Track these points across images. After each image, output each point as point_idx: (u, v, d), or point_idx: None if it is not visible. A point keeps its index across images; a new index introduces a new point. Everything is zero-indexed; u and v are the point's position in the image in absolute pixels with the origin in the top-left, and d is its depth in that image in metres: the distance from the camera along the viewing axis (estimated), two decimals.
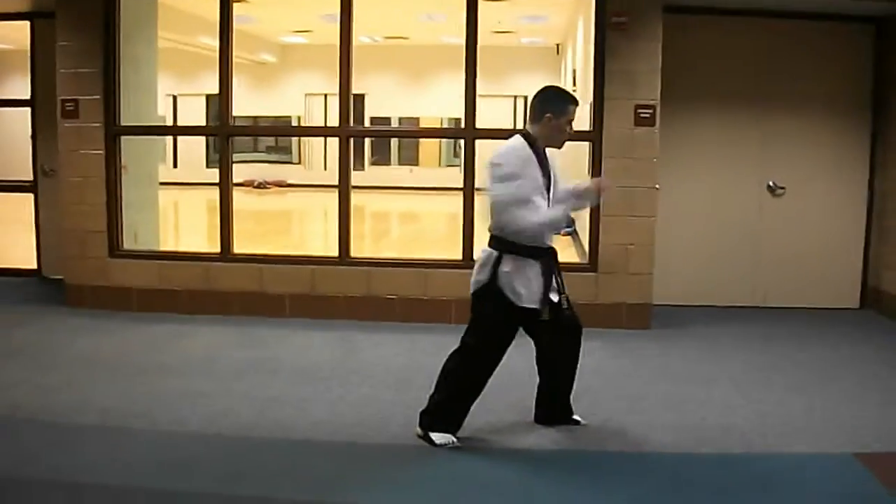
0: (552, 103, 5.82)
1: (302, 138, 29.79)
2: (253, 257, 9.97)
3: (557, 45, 25.04)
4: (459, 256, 9.43)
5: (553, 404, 6.29)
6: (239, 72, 23.70)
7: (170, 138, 28.25)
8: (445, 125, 26.06)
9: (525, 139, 5.80)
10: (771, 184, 10.30)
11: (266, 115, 28.06)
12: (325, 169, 26.89)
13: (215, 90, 9.76)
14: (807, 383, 7.50)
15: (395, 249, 16.56)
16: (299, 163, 30.11)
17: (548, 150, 5.89)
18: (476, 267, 5.95)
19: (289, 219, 22.61)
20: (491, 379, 6.05)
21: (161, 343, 8.61)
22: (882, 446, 6.07)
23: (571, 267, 9.25)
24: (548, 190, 5.80)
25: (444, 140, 29.13)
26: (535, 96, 5.89)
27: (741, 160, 10.34)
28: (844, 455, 5.89)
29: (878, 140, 10.38)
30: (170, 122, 27.10)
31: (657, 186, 9.01)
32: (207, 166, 27.31)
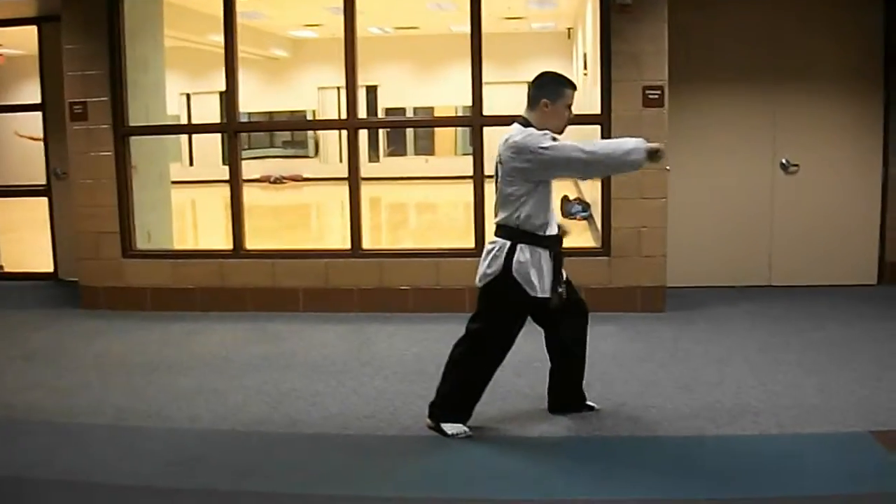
0: (548, 88, 5.78)
1: (318, 132, 29.80)
2: (265, 253, 10.00)
3: (569, 29, 24.95)
4: (472, 245, 9.40)
5: (566, 391, 6.25)
6: (251, 68, 23.78)
7: (185, 137, 28.32)
8: (460, 114, 26.03)
9: (523, 126, 5.75)
10: (784, 161, 10.23)
11: (280, 110, 28.09)
12: (341, 162, 26.73)
13: (237, 89, 9.74)
14: (821, 362, 7.43)
15: (412, 239, 16.56)
16: (316, 156, 30.10)
17: None
18: (485, 258, 5.86)
19: (305, 213, 22.65)
20: (500, 366, 6.03)
21: (175, 341, 8.63)
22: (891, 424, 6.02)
23: (585, 251, 9.32)
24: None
25: (459, 129, 29.05)
26: (532, 82, 5.86)
27: (753, 138, 10.27)
28: (860, 433, 5.84)
29: (891, 113, 10.26)
30: (184, 121, 27.15)
31: (668, 168, 8.96)
32: (224, 163, 27.40)
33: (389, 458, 5.68)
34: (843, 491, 5.02)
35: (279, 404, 6.67)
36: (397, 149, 30.40)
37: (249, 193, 24.64)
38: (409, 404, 6.55)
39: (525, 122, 5.78)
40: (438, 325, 8.75)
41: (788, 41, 10.12)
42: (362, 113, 27.25)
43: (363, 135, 27.34)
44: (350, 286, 9.50)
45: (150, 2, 10.52)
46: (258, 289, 9.62)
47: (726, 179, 10.30)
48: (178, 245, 12.08)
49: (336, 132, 27.43)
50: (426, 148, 30.38)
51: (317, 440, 5.99)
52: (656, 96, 8.86)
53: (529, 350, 6.40)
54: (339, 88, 26.62)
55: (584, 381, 6.29)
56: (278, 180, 27.37)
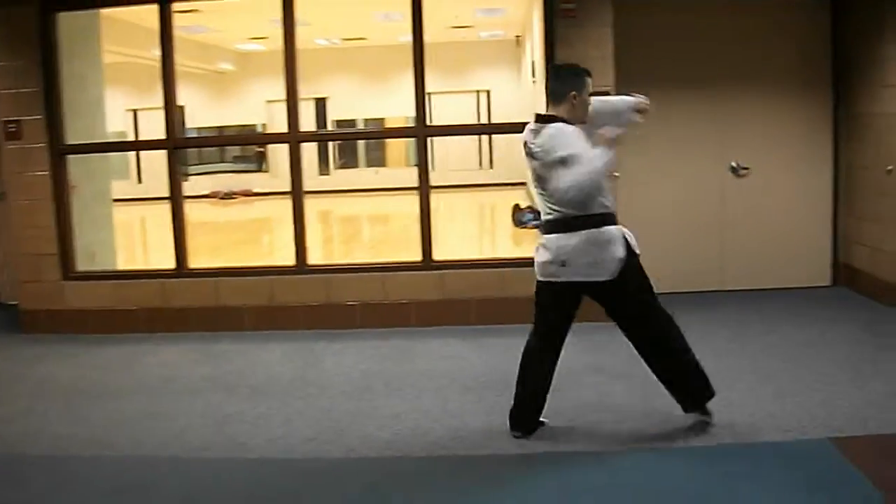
0: (572, 81, 5.80)
1: (267, 146, 29.56)
2: (209, 271, 9.80)
3: (517, 37, 24.92)
4: (419, 258, 9.23)
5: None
6: (198, 82, 23.47)
7: (133, 154, 27.99)
8: (411, 124, 25.70)
9: (547, 122, 5.73)
10: (734, 164, 10.15)
11: (230, 124, 27.87)
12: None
13: (175, 103, 9.54)
14: (777, 368, 7.34)
15: (364, 253, 16.38)
16: (265, 171, 29.89)
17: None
18: (596, 251, 5.71)
19: (255, 228, 22.39)
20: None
21: (118, 365, 8.40)
22: (856, 429, 5.94)
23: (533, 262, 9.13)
24: None
25: (409, 140, 28.98)
26: (552, 78, 5.91)
27: (703, 143, 10.19)
28: (819, 441, 5.75)
29: (840, 114, 10.24)
30: (131, 137, 26.79)
31: (616, 174, 8.83)
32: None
33: (332, 483, 5.52)
34: (801, 502, 4.92)
35: (222, 428, 6.48)
36: (348, 161, 30.21)
37: (199, 209, 24.68)
38: (355, 424, 6.40)
39: (550, 119, 5.74)
40: (386, 341, 8.64)
41: (738, 45, 10.06)
42: (311, 125, 27.09)
43: (312, 148, 27.40)
44: (296, 303, 9.29)
45: (86, 17, 10.22)
46: (202, 308, 9.38)
47: (676, 184, 10.21)
48: (127, 265, 11.86)
49: (286, 146, 27.27)
50: (378, 160, 30.20)
51: (260, 465, 5.80)
52: None
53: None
54: (287, 100, 26.50)
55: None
56: (227, 196, 27.09)
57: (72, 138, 9.62)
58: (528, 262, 9.22)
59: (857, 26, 9.81)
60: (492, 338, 8.61)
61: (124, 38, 17.00)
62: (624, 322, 6.00)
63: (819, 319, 8.97)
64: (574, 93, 5.74)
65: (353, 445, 6.01)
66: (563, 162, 5.52)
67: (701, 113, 10.16)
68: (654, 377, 6.04)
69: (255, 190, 27.56)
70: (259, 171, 29.36)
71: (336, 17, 20.32)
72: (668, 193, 10.20)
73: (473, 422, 6.35)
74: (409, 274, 9.15)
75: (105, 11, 10.44)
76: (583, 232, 5.67)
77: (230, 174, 28.98)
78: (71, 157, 9.68)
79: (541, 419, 6.10)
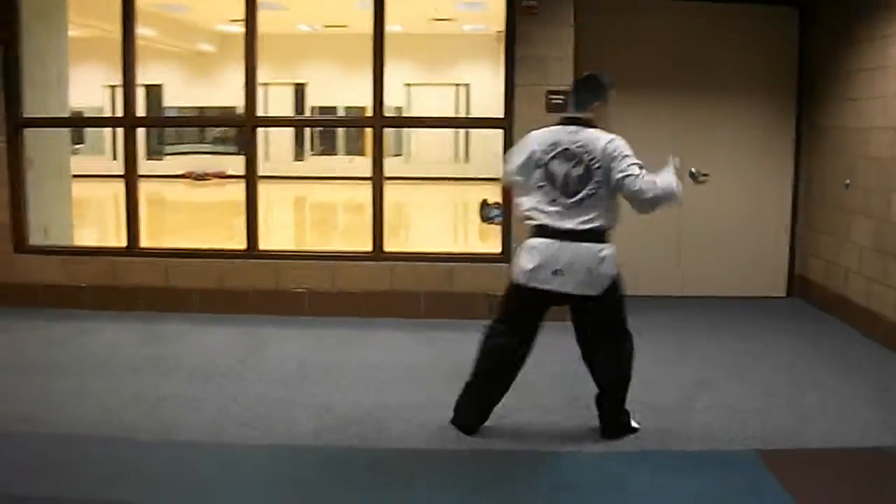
0: (598, 92, 5.95)
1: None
2: (159, 251, 9.74)
3: (498, 32, 24.81)
4: (369, 248, 9.22)
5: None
6: (177, 61, 23.43)
7: (109, 130, 27.83)
8: (393, 114, 25.79)
9: (582, 127, 5.85)
10: (693, 171, 10.09)
11: (209, 105, 27.77)
12: (267, 160, 26.59)
13: (154, 80, 9.48)
14: (717, 377, 7.34)
15: (328, 240, 16.37)
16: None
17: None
18: (595, 267, 5.75)
19: (221, 210, 22.34)
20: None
21: (60, 341, 8.34)
22: (785, 442, 5.95)
23: (486, 258, 9.14)
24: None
25: (391, 130, 28.95)
26: (580, 87, 6.03)
27: (662, 148, 10.09)
28: (745, 452, 5.75)
29: (803, 125, 10.26)
30: (108, 113, 26.65)
31: None
32: (148, 158, 27.02)
33: (251, 469, 5.51)
34: None
35: (155, 409, 6.44)
36: (328, 148, 30.14)
37: (172, 189, 24.57)
38: (286, 412, 6.39)
39: (588, 123, 5.88)
40: (332, 330, 8.64)
41: (702, 51, 10.07)
42: (289, 111, 27.10)
43: (287, 133, 27.36)
44: (245, 287, 9.25)
45: None
46: (151, 288, 9.32)
47: None
48: (86, 241, 11.78)
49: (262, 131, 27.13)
50: (357, 149, 30.12)
51: (185, 448, 5.78)
52: (560, 101, 8.70)
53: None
54: (267, 84, 26.46)
55: None
56: (201, 177, 26.98)
57: (31, 112, 9.53)
58: (479, 257, 9.32)
59: (824, 38, 9.82)
60: (438, 331, 8.62)
61: (102, 12, 16.91)
62: (587, 334, 6.04)
63: (767, 330, 9.00)
64: (597, 103, 5.89)
65: (279, 433, 5.99)
66: (628, 158, 5.77)
67: (663, 117, 10.15)
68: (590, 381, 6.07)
69: (229, 172, 27.45)
70: (239, 153, 29.26)
71: (318, 4, 20.27)
72: None
73: (403, 414, 6.34)
74: (359, 264, 9.12)
75: None
76: (583, 244, 5.72)
77: (209, 155, 28.85)
78: (29, 131, 9.59)
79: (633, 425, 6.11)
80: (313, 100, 28.04)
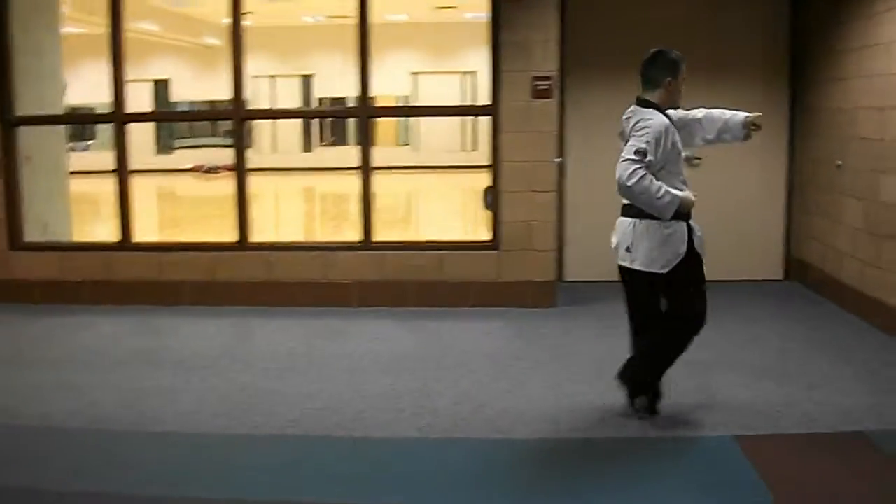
0: (669, 68, 5.94)
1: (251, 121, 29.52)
2: (152, 245, 9.82)
3: None
4: (360, 238, 9.27)
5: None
6: (184, 56, 23.55)
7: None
8: (401, 103, 25.99)
9: (643, 108, 5.88)
10: (687, 154, 10.06)
11: (217, 99, 27.77)
12: (275, 152, 26.72)
13: (161, 75, 9.52)
14: (707, 362, 7.15)
15: (329, 230, 16.38)
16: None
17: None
18: (657, 245, 5.80)
19: (227, 204, 22.45)
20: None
21: (54, 336, 8.40)
22: (768, 427, 5.90)
23: (474, 244, 9.14)
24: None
25: (398, 119, 28.90)
26: (649, 65, 5.99)
27: None
28: (724, 438, 5.71)
29: (797, 107, 10.19)
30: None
31: (558, 160, 8.81)
32: (158, 153, 27.11)
33: (228, 457, 5.54)
34: (690, 500, 4.90)
35: (135, 401, 6.48)
36: (338, 139, 30.14)
37: (180, 183, 24.62)
38: (267, 402, 6.41)
39: (646, 103, 5.88)
40: (321, 320, 8.67)
41: (693, 33, 9.96)
42: (296, 102, 27.09)
43: (296, 125, 27.38)
44: (237, 280, 9.27)
45: None
46: (145, 282, 9.36)
47: None
48: (86, 237, 11.81)
49: (268, 122, 27.14)
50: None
51: (161, 438, 5.82)
52: (546, 87, 8.70)
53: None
54: (273, 77, 26.50)
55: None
56: (211, 170, 27.00)
57: (24, 109, 9.56)
58: (467, 244, 9.30)
59: (815, 19, 9.75)
60: (427, 320, 8.62)
61: (104, 9, 16.96)
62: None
63: (761, 314, 8.94)
64: (670, 79, 5.89)
65: (258, 423, 6.00)
66: (632, 141, 5.74)
67: None
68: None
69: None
70: (250, 146, 29.32)
71: None
72: (616, 181, 10.10)
73: (381, 403, 6.34)
74: (349, 254, 9.13)
75: None
76: (650, 221, 5.81)
77: (220, 148, 28.91)
78: (24, 128, 9.63)
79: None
80: (321, 91, 28.01)
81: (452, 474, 5.23)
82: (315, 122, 29.06)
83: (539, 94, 8.72)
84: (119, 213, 9.58)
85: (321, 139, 29.89)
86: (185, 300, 9.30)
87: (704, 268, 5.91)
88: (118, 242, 9.57)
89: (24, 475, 5.21)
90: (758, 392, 6.57)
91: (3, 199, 9.48)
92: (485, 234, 9.28)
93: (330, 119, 30.22)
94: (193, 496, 4.95)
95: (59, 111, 10.73)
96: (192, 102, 27.80)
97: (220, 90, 27.47)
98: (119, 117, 9.63)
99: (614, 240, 5.97)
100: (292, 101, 27.34)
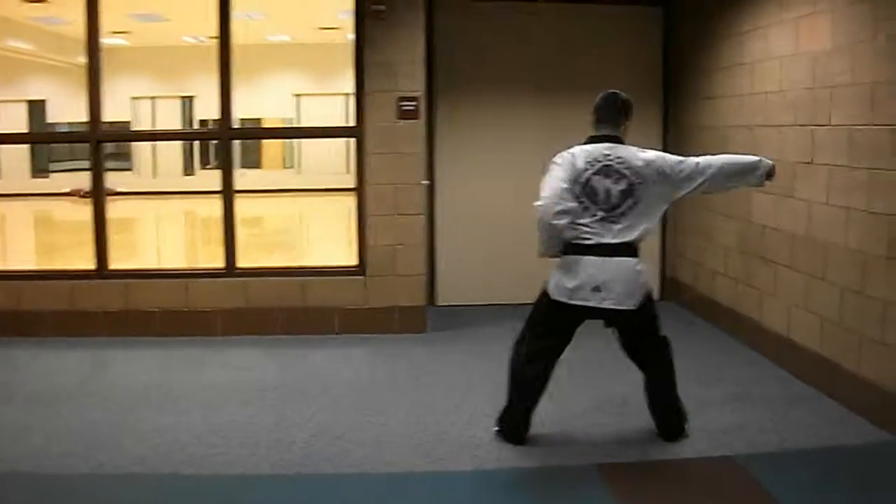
0: (626, 112, 5.97)
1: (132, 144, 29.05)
2: (9, 274, 9.42)
3: None
4: (222, 265, 9.04)
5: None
6: (61, 76, 23.08)
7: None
8: (287, 125, 25.73)
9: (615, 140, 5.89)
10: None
11: (110, 120, 27.27)
12: (154, 176, 26.32)
13: (37, 96, 9.18)
14: (570, 386, 7.05)
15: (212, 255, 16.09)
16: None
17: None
18: (632, 281, 5.77)
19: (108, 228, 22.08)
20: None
21: None
22: (633, 454, 5.85)
23: (339, 270, 8.96)
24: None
25: (285, 141, 28.60)
26: (609, 105, 5.96)
27: (525, 152, 10.00)
28: (585, 467, 5.63)
29: (669, 126, 10.24)
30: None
31: (426, 182, 8.67)
32: (32, 176, 26.47)
33: (67, 501, 5.32)
34: None
35: None
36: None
37: (58, 207, 24.07)
38: (116, 438, 6.15)
39: (617, 139, 5.90)
40: (182, 350, 8.42)
41: (570, 50, 9.98)
42: (176, 124, 26.66)
43: (175, 147, 26.91)
44: (96, 308, 8.94)
45: None
46: (4, 312, 8.95)
47: (497, 194, 10.02)
48: None
49: (149, 145, 26.66)
50: (254, 161, 29.75)
51: (6, 479, 5.52)
52: (412, 108, 8.58)
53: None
54: (153, 98, 26.04)
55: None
56: (87, 194, 26.41)
57: None
58: (332, 270, 9.11)
59: (687, 37, 9.84)
60: (292, 348, 8.43)
61: None
62: (630, 346, 6.23)
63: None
64: (626, 122, 5.95)
65: (103, 461, 5.75)
66: (671, 156, 5.93)
67: (530, 118, 10.05)
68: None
69: (119, 189, 27.01)
70: (130, 170, 28.84)
71: (199, 15, 19.94)
72: (489, 203, 10.02)
73: (235, 437, 6.13)
74: (212, 281, 8.88)
75: None
76: (621, 259, 5.74)
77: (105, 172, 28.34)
78: None
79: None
80: (202, 113, 27.62)
81: None
82: (196, 145, 28.64)
83: (405, 114, 8.60)
84: None
85: (202, 163, 29.49)
86: (45, 331, 8.90)
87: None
88: None
89: None
90: (625, 417, 6.49)
91: None
92: (352, 259, 9.10)
93: (211, 142, 29.78)
94: None
95: None
96: (70, 123, 27.20)
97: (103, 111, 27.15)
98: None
99: (571, 280, 5.76)
100: (174, 122, 26.90)
